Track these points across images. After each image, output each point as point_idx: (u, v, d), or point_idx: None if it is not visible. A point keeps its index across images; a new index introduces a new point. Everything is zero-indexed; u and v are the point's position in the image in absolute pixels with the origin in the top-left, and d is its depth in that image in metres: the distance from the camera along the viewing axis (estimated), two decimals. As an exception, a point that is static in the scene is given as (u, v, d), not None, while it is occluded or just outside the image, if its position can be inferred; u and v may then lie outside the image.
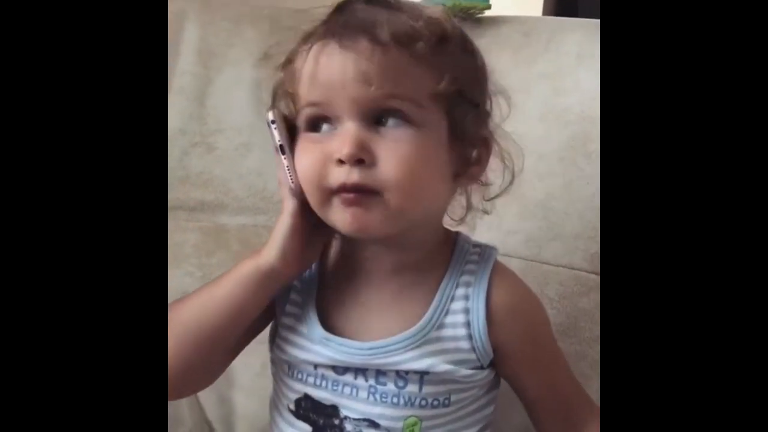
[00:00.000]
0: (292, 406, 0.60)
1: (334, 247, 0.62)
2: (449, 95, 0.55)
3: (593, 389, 0.74)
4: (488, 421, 0.62)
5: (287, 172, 0.57)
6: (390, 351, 0.57)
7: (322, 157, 0.54)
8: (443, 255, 0.60)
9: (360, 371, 0.58)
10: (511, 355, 0.59)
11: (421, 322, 0.58)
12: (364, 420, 0.58)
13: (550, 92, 0.83)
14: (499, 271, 0.60)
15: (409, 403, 0.58)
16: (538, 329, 0.62)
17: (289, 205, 0.57)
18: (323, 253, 0.62)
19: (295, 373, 0.60)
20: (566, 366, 0.64)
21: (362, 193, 0.53)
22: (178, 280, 0.83)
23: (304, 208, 0.57)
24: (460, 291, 0.59)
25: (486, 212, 0.62)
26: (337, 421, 0.59)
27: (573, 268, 0.78)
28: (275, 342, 0.62)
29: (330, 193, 0.54)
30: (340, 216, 0.54)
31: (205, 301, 0.59)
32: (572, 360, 0.75)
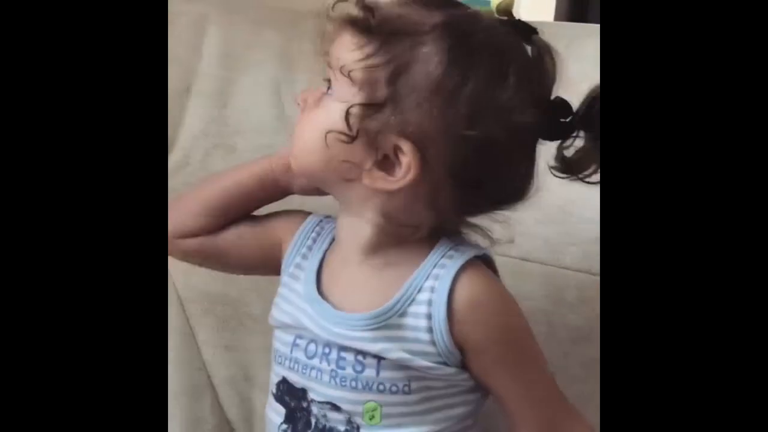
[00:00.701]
0: (274, 389, 0.64)
1: None
2: (358, 79, 0.58)
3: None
4: (464, 426, 0.62)
5: None
6: (351, 326, 0.60)
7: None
8: (423, 250, 0.61)
9: (324, 355, 0.61)
10: (477, 356, 0.60)
11: (385, 306, 0.60)
12: (327, 403, 0.61)
13: (570, 97, 0.83)
14: (468, 270, 0.59)
15: (367, 387, 0.60)
16: (509, 332, 0.61)
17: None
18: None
19: (277, 356, 0.65)
20: (549, 380, 0.63)
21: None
22: (199, 278, 0.84)
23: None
24: (428, 283, 0.60)
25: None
26: (305, 404, 0.62)
27: (592, 273, 0.78)
28: (272, 308, 0.66)
29: None
30: None
31: (224, 173, 0.70)
32: (591, 364, 0.75)
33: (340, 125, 0.58)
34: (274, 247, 0.68)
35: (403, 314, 0.59)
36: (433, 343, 0.59)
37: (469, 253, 0.60)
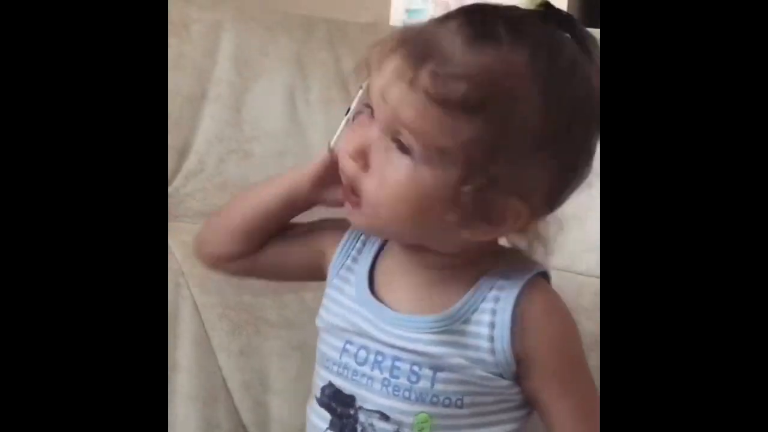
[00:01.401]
0: (318, 393, 0.63)
1: None
2: (468, 156, 0.54)
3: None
4: None
5: (338, 132, 0.62)
6: (412, 328, 0.59)
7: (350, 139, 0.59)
8: (488, 263, 0.61)
9: (377, 363, 0.60)
10: (534, 369, 0.60)
11: (450, 311, 0.59)
12: (376, 412, 0.60)
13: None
14: (534, 283, 0.60)
15: (421, 398, 0.59)
16: (568, 347, 0.62)
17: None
18: None
19: (324, 361, 0.63)
20: (597, 396, 0.59)
21: (351, 191, 0.58)
22: (214, 284, 0.85)
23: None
24: (493, 293, 0.60)
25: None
26: (352, 411, 0.61)
27: (608, 279, 0.78)
28: (320, 309, 0.65)
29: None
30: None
31: (260, 185, 0.69)
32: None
33: (437, 192, 0.55)
34: (318, 257, 0.68)
35: (466, 321, 0.59)
36: (492, 352, 0.59)
37: (534, 268, 0.61)
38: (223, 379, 0.84)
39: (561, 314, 0.62)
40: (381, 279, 0.64)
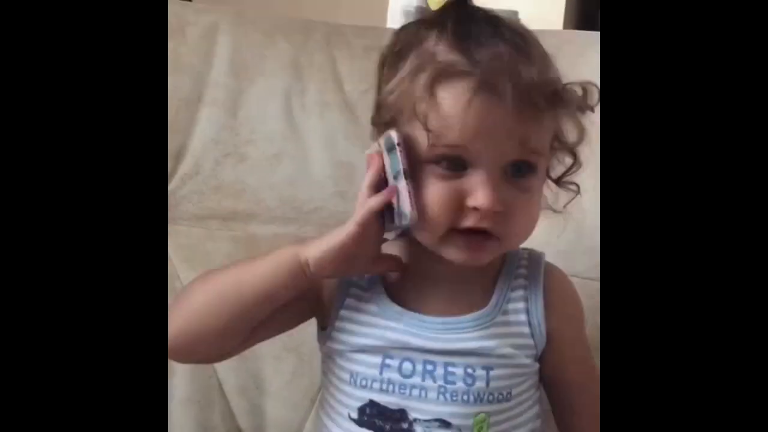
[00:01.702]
0: (354, 414, 0.61)
1: (391, 250, 0.64)
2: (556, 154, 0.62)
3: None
4: (537, 425, 0.64)
5: (408, 198, 0.56)
6: (462, 328, 0.61)
7: (455, 197, 0.56)
8: (499, 257, 0.63)
9: (428, 372, 0.60)
10: (559, 345, 0.63)
11: (489, 306, 0.62)
12: (435, 420, 0.60)
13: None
14: (549, 266, 0.65)
15: (479, 399, 0.60)
16: (581, 321, 0.66)
17: (352, 228, 0.58)
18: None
19: (359, 380, 0.61)
20: (597, 367, 0.65)
21: (485, 236, 0.57)
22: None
23: (365, 234, 0.58)
24: (518, 282, 0.63)
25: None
26: (405, 425, 0.60)
27: (604, 281, 0.78)
28: (331, 334, 0.63)
29: (452, 231, 0.57)
30: (455, 252, 0.59)
31: (241, 276, 0.61)
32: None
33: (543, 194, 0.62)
34: (314, 294, 0.64)
35: (505, 312, 0.62)
36: (532, 336, 0.62)
37: (542, 256, 0.66)
38: (219, 383, 0.84)
39: (577, 294, 0.66)
40: (402, 292, 0.63)
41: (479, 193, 0.56)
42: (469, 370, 0.60)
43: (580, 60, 0.85)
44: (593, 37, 0.92)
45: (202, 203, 0.87)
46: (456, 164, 0.56)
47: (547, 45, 0.89)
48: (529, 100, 0.55)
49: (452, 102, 0.55)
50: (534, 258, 0.65)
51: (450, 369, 0.60)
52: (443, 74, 0.55)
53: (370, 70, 0.91)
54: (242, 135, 0.90)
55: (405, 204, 0.57)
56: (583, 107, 0.60)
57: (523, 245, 0.65)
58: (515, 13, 0.90)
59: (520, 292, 0.63)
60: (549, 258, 0.67)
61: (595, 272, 0.78)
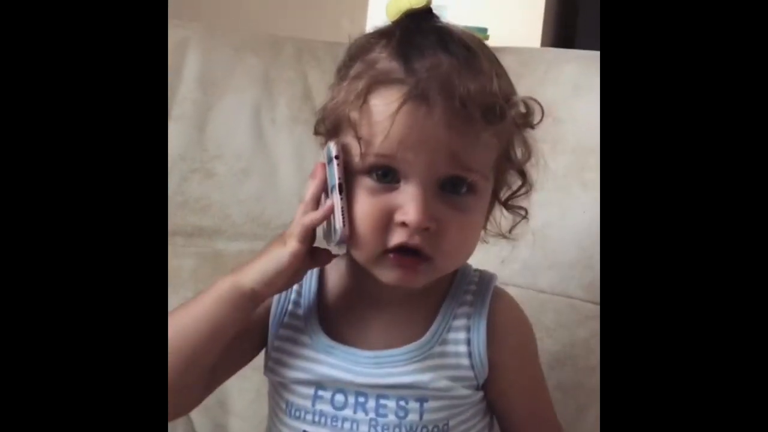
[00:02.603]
0: None
1: (335, 266, 0.62)
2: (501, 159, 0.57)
3: (591, 418, 0.74)
4: None
5: (340, 214, 0.54)
6: (394, 362, 0.58)
7: (385, 211, 0.54)
8: (446, 279, 0.61)
9: (360, 405, 0.58)
10: (503, 374, 0.60)
11: (426, 337, 0.58)
12: None
13: (547, 122, 0.83)
14: (498, 292, 0.61)
15: None
16: (530, 349, 0.63)
17: (295, 246, 0.56)
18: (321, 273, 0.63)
19: (293, 410, 0.60)
20: (548, 394, 0.64)
21: (417, 257, 0.54)
22: (174, 305, 0.83)
23: (307, 250, 0.57)
24: (462, 309, 0.60)
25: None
26: None
27: (569, 297, 0.78)
28: (268, 364, 0.61)
29: (384, 249, 0.55)
30: (387, 273, 0.55)
31: (182, 319, 0.57)
32: (569, 389, 0.74)
33: (486, 210, 0.59)
34: (261, 322, 0.62)
35: (443, 342, 0.59)
36: (472, 367, 0.59)
37: (493, 279, 0.62)
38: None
39: (525, 320, 0.63)
40: (337, 322, 0.60)
41: (408, 207, 0.53)
42: (402, 403, 0.57)
43: (546, 76, 0.86)
44: (562, 54, 0.92)
45: (168, 220, 0.86)
46: (387, 176, 0.54)
47: (517, 61, 0.90)
48: (463, 112, 0.52)
49: (382, 109, 0.53)
50: (484, 282, 0.61)
51: (382, 401, 0.58)
52: (377, 82, 0.54)
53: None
54: (210, 150, 0.89)
55: (337, 220, 0.55)
56: (525, 124, 0.57)
57: (483, 263, 0.63)
58: (484, 30, 0.91)
59: (462, 321, 0.59)
60: (511, 274, 0.66)
61: (561, 288, 0.79)
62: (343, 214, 0.54)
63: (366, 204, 0.55)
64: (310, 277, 0.62)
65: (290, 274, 0.57)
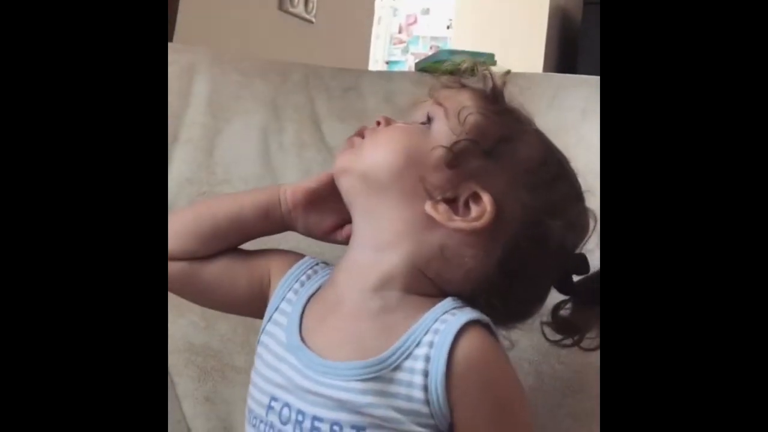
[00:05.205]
0: None
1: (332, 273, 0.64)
2: (471, 122, 0.60)
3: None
4: None
5: None
6: (338, 375, 0.56)
7: None
8: (425, 304, 0.58)
9: (298, 423, 0.56)
10: (467, 419, 0.55)
11: (380, 357, 0.55)
12: None
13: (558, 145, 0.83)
14: (471, 329, 0.56)
15: None
16: (505, 397, 0.57)
17: (326, 177, 0.65)
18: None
19: (251, 417, 0.60)
20: None
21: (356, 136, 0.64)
22: (182, 330, 0.83)
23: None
24: (428, 338, 0.56)
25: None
26: None
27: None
28: (257, 351, 0.62)
29: None
30: None
31: (231, 194, 0.71)
32: (581, 416, 0.73)
33: (436, 151, 0.59)
34: (263, 286, 0.65)
35: (397, 368, 0.55)
36: (427, 402, 0.54)
37: (472, 314, 0.57)
38: (188, 429, 0.82)
39: (497, 362, 0.57)
40: (311, 322, 0.60)
41: None
42: (335, 428, 0.54)
43: (553, 102, 0.86)
44: (568, 80, 0.93)
45: (175, 243, 0.86)
46: None
47: (523, 86, 0.90)
48: None
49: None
50: (463, 314, 0.57)
51: (316, 424, 0.55)
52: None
53: (348, 110, 0.91)
54: (218, 175, 0.89)
55: None
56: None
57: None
58: (491, 55, 0.91)
59: (424, 350, 0.55)
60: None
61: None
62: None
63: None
64: (319, 279, 0.64)
65: (314, 197, 0.65)
